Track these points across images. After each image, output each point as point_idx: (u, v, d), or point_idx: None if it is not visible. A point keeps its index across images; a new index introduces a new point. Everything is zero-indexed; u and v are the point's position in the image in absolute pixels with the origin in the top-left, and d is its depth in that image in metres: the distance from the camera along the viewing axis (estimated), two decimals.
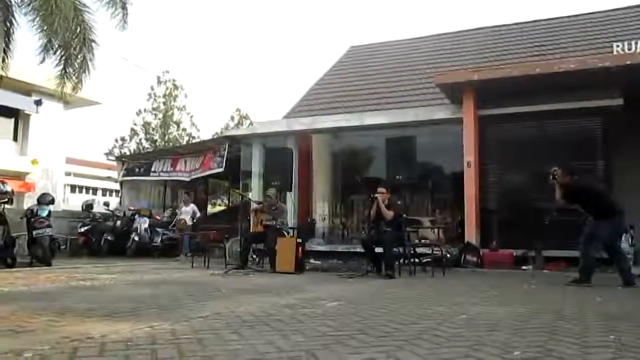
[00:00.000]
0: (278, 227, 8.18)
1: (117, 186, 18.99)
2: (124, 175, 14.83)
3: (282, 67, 76.76)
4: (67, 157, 19.73)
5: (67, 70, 11.38)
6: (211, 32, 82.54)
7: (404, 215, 8.03)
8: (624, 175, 9.05)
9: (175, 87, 27.31)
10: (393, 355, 2.50)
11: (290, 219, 10.03)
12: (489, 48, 14.59)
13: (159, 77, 27.10)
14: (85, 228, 12.06)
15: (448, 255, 8.66)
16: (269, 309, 3.94)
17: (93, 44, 11.42)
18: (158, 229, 12.33)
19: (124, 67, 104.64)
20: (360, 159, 13.05)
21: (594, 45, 12.75)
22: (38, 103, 15.13)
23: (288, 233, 8.51)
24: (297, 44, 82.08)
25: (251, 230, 9.26)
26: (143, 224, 12.06)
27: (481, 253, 9.05)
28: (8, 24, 11.03)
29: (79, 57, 11.36)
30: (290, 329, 3.14)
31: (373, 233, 7.84)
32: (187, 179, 13.46)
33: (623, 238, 7.30)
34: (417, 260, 7.79)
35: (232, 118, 28.69)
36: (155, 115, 26.96)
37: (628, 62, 8.74)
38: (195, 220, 12.26)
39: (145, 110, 27.02)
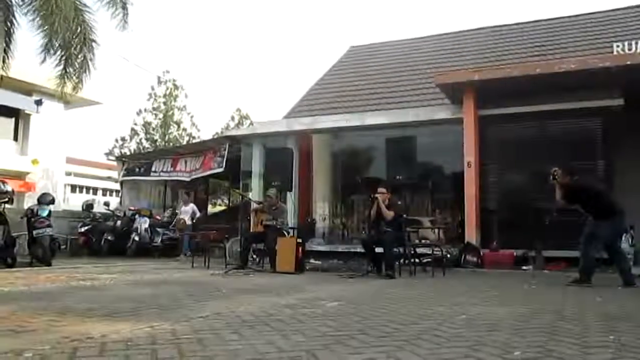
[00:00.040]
0: (278, 227, 8.18)
1: (117, 186, 19.00)
2: (124, 175, 14.84)
3: (282, 67, 76.81)
4: (68, 157, 19.74)
5: (68, 70, 11.40)
6: (211, 32, 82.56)
7: (404, 216, 8.03)
8: (624, 175, 9.04)
9: (176, 87, 27.32)
10: (393, 355, 2.50)
11: (291, 219, 10.03)
12: (490, 48, 14.59)
13: (159, 77, 27.14)
14: (86, 228, 12.06)
15: (448, 256, 8.66)
16: (269, 309, 3.94)
17: (93, 44, 11.44)
18: (158, 229, 12.33)
19: (125, 67, 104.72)
20: (361, 159, 13.05)
21: (594, 46, 12.75)
22: (38, 103, 15.14)
23: (288, 233, 8.51)
24: (297, 44, 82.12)
25: (251, 230, 9.27)
26: (143, 224, 12.07)
27: (481, 253, 9.05)
28: (9, 24, 11.05)
29: (80, 57, 11.37)
30: (291, 329, 3.14)
31: (373, 233, 7.84)
32: (188, 179, 13.46)
33: (623, 238, 7.30)
34: (417, 260, 7.79)
35: (233, 118, 28.71)
36: (156, 115, 26.96)
37: (628, 62, 8.74)
38: (195, 220, 12.26)
39: (145, 110, 27.04)
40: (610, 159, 9.45)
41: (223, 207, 20.43)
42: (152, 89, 27.10)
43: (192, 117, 27.73)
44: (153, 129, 26.87)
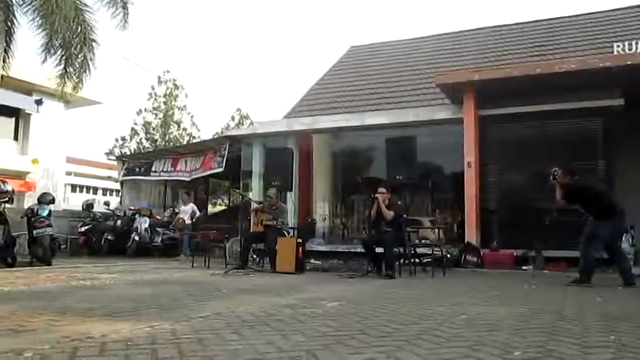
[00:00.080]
0: (278, 227, 8.18)
1: (117, 186, 19.01)
2: (124, 175, 14.84)
3: (282, 67, 76.81)
4: (68, 156, 19.76)
5: (68, 70, 11.40)
6: (212, 32, 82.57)
7: (405, 216, 8.03)
8: (624, 175, 9.05)
9: (176, 86, 27.31)
10: (393, 355, 2.50)
11: (291, 219, 10.03)
12: (490, 48, 14.59)
13: (159, 77, 27.12)
14: (86, 227, 12.07)
15: (448, 256, 8.66)
16: (270, 309, 3.94)
17: (94, 44, 11.44)
18: (158, 229, 12.33)
19: (125, 66, 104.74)
20: (361, 159, 13.05)
21: (594, 46, 12.75)
22: (39, 102, 15.16)
23: (288, 233, 8.51)
24: (297, 44, 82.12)
25: (251, 230, 9.26)
26: (143, 223, 12.07)
27: (481, 253, 9.05)
28: (9, 24, 11.05)
29: (80, 56, 11.37)
30: (291, 329, 3.14)
31: (373, 233, 7.84)
32: (188, 179, 13.46)
33: (623, 238, 7.30)
34: (417, 260, 7.79)
35: (233, 118, 28.70)
36: (156, 115, 26.96)
37: (628, 62, 8.74)
38: (195, 220, 12.26)
39: (145, 109, 27.04)
40: (610, 159, 9.45)
41: (223, 207, 20.44)
42: (153, 88, 27.13)
43: (192, 116, 27.75)
44: (153, 129, 26.87)
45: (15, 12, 11.12)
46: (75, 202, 22.89)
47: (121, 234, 11.97)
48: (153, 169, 14.08)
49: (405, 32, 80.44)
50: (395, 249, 7.16)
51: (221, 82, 62.36)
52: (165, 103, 27.01)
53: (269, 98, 71.75)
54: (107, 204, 14.42)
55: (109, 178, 36.27)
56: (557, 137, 9.78)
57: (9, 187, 8.54)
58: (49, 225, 8.59)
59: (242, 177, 12.60)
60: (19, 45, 11.57)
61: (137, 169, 14.49)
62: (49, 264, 8.37)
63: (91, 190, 44.70)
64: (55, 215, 9.54)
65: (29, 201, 12.62)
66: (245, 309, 3.96)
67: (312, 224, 11.99)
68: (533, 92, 9.24)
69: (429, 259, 7.96)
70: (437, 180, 11.93)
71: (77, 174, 40.01)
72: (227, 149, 12.18)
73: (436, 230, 9.95)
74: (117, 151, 25.69)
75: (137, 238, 11.79)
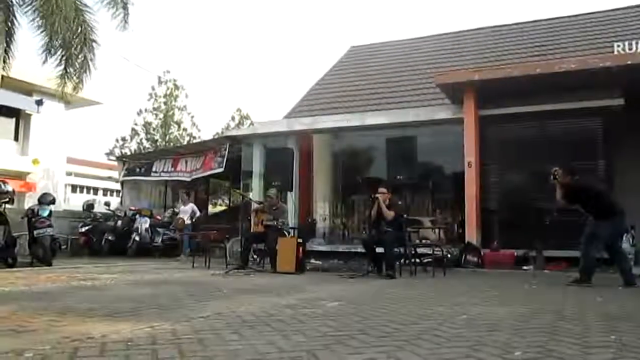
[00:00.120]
0: (279, 227, 8.18)
1: (118, 186, 19.02)
2: (124, 175, 14.84)
3: (282, 68, 76.82)
4: (68, 157, 19.78)
5: (68, 70, 11.40)
6: (212, 32, 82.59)
7: (405, 216, 8.03)
8: (624, 175, 9.04)
9: (176, 87, 27.32)
10: (394, 355, 2.50)
11: (291, 219, 10.03)
12: (490, 48, 14.59)
13: (159, 77, 27.14)
14: (86, 228, 12.07)
15: (449, 256, 8.66)
16: (270, 309, 3.94)
17: (94, 44, 11.44)
18: (159, 229, 12.33)
19: (125, 67, 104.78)
20: (361, 159, 13.05)
21: (594, 45, 12.75)
22: (39, 103, 15.17)
23: (289, 233, 8.51)
24: (297, 44, 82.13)
25: (252, 230, 9.26)
26: (144, 224, 12.07)
27: (482, 253, 9.04)
28: (9, 24, 11.05)
29: (80, 57, 11.37)
30: (291, 329, 3.14)
31: (374, 233, 7.84)
32: (188, 179, 13.46)
33: (624, 238, 7.29)
34: (417, 260, 7.79)
35: (233, 118, 28.70)
36: (156, 115, 26.97)
37: (629, 62, 8.74)
38: (195, 220, 12.25)
39: (146, 110, 27.05)
40: (610, 159, 9.45)
41: (224, 207, 20.45)
42: (153, 89, 27.14)
43: (192, 117, 27.77)
44: (153, 129, 26.88)
45: (16, 13, 11.13)
46: (76, 202, 22.91)
47: (122, 235, 11.97)
48: (153, 169, 14.09)
49: (405, 32, 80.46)
50: (395, 249, 7.15)
51: (221, 82, 62.41)
52: (165, 103, 27.02)
53: (269, 98, 71.79)
54: (107, 204, 14.42)
55: (109, 178, 36.32)
56: (557, 137, 9.77)
57: (9, 188, 8.55)
58: (50, 226, 8.59)
59: (242, 177, 12.60)
60: (19, 46, 11.60)
61: (138, 170, 14.50)
62: (50, 264, 8.37)
63: (92, 191, 44.73)
64: (55, 215, 9.54)
65: (30, 202, 12.63)
66: (246, 309, 3.96)
67: (313, 224, 11.99)
68: (533, 92, 9.24)
69: (430, 259, 7.96)
70: (437, 180, 11.92)
71: (77, 175, 40.05)
72: (227, 149, 12.18)
73: (436, 230, 9.95)
74: (117, 151, 25.70)
75: (137, 238, 11.80)
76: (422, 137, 9.97)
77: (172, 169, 13.76)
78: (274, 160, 10.75)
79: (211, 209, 18.89)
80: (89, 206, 12.72)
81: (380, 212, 7.33)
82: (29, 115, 15.55)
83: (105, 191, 43.25)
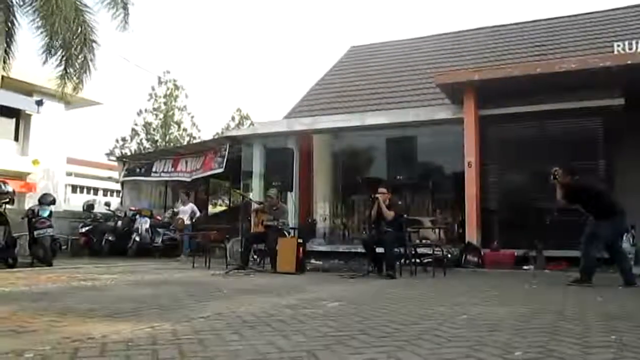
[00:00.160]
0: (279, 227, 8.18)
1: (118, 186, 19.02)
2: (125, 176, 14.84)
3: (283, 68, 76.83)
4: (68, 157, 19.80)
5: (68, 71, 11.41)
6: (212, 32, 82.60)
7: (405, 216, 8.02)
8: (625, 175, 9.04)
9: (176, 87, 27.31)
10: (394, 355, 2.50)
11: (291, 219, 10.03)
12: (490, 48, 14.59)
13: (159, 78, 27.12)
14: (87, 228, 12.06)
15: (449, 256, 8.66)
16: (270, 310, 3.94)
17: (94, 45, 11.45)
18: (159, 230, 12.33)
19: (125, 67, 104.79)
20: (361, 159, 13.05)
21: (594, 45, 12.75)
22: (39, 103, 15.19)
23: (289, 233, 8.51)
24: (298, 45, 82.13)
25: (252, 231, 9.26)
26: (144, 224, 12.06)
27: (482, 253, 9.04)
28: (9, 25, 11.06)
29: (80, 57, 11.38)
30: (291, 329, 3.14)
31: (374, 233, 7.84)
32: (188, 179, 13.46)
33: (624, 238, 7.29)
34: (418, 260, 7.79)
35: (233, 118, 28.69)
36: (156, 115, 26.96)
37: (629, 62, 8.73)
38: (195, 220, 12.24)
39: (146, 110, 27.03)
40: (610, 159, 9.44)
41: (224, 208, 20.44)
42: (153, 89, 27.13)
43: (192, 117, 27.75)
44: (154, 130, 26.87)
45: (16, 13, 11.14)
46: (76, 202, 22.94)
47: (122, 235, 11.96)
48: (153, 169, 14.09)
49: (405, 32, 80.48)
50: (395, 249, 7.15)
51: (221, 82, 62.42)
52: (165, 104, 27.01)
53: (269, 98, 71.81)
54: (107, 204, 14.42)
55: (109, 179, 36.34)
56: (558, 137, 9.77)
57: (9, 188, 8.54)
58: (50, 226, 8.59)
59: (242, 178, 12.60)
60: (19, 46, 11.61)
61: (138, 170, 14.50)
62: (50, 264, 8.37)
63: (92, 191, 44.76)
64: (56, 216, 9.55)
65: (30, 202, 12.64)
66: (246, 309, 3.96)
67: (313, 224, 11.99)
68: (533, 92, 9.24)
69: (430, 259, 7.95)
70: (437, 180, 11.92)
71: (77, 175, 40.07)
72: (227, 150, 12.18)
73: (437, 230, 9.94)
74: (117, 152, 25.68)
75: (137, 239, 11.79)
76: (422, 137, 9.97)
77: (172, 169, 13.76)
78: (274, 161, 10.75)
79: (211, 209, 18.89)
80: (89, 206, 12.72)
81: (380, 212, 7.33)
82: (29, 115, 15.57)
83: (106, 191, 43.28)
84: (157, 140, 26.48)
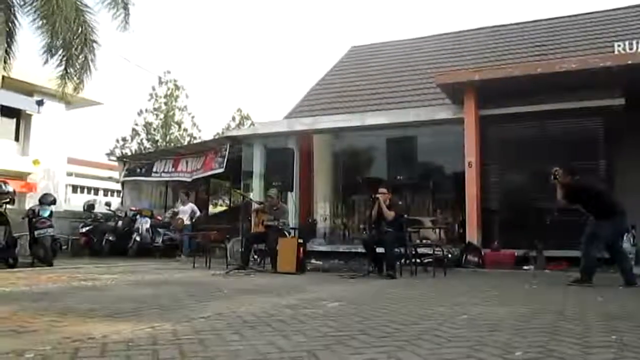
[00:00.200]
0: (279, 227, 8.18)
1: (118, 186, 19.02)
2: (125, 176, 14.84)
3: (283, 68, 76.86)
4: (69, 157, 19.81)
5: (69, 71, 11.41)
6: (213, 32, 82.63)
7: (405, 216, 8.02)
8: (625, 175, 9.03)
9: (177, 87, 27.30)
10: (394, 355, 2.50)
11: (292, 219, 10.03)
12: (490, 48, 14.59)
13: (160, 78, 27.10)
14: (87, 228, 12.07)
15: (449, 256, 8.65)
16: (270, 310, 3.94)
17: (94, 45, 11.45)
18: (159, 230, 12.32)
19: (126, 67, 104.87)
20: (362, 159, 13.05)
21: (595, 45, 12.74)
22: (40, 103, 15.20)
23: (289, 233, 8.51)
24: (298, 45, 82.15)
25: (252, 231, 9.26)
26: (144, 224, 12.07)
27: (482, 253, 9.04)
28: (10, 25, 11.06)
29: (81, 57, 11.38)
30: (292, 329, 3.14)
31: (374, 233, 7.83)
32: (189, 180, 13.46)
33: (625, 238, 7.27)
34: (418, 260, 7.79)
35: (234, 118, 28.66)
36: (157, 115, 26.95)
37: (629, 62, 8.73)
38: (194, 220, 12.24)
39: (146, 110, 27.02)
40: (611, 159, 9.43)
41: (224, 208, 20.45)
42: (153, 89, 27.10)
43: (193, 117, 27.74)
44: (154, 130, 26.86)
45: (17, 13, 11.14)
46: (77, 202, 22.96)
47: (122, 235, 11.96)
48: (154, 169, 14.09)
49: (406, 32, 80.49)
50: (396, 249, 7.15)
51: (222, 82, 62.44)
52: (166, 104, 27.00)
53: (269, 98, 71.83)
54: (108, 204, 14.42)
55: (110, 179, 36.34)
56: (558, 137, 9.77)
57: (10, 188, 8.55)
58: (50, 226, 8.59)
59: (242, 178, 12.61)
60: (20, 47, 11.61)
61: (138, 170, 14.50)
62: (50, 264, 8.37)
63: (92, 191, 44.78)
64: (56, 216, 9.55)
65: (30, 202, 12.65)
66: (247, 309, 3.96)
67: (313, 224, 11.99)
68: (534, 92, 9.23)
69: (430, 259, 7.95)
70: (438, 180, 11.92)
71: (78, 175, 40.09)
72: (227, 150, 12.18)
73: (437, 230, 9.93)
74: (118, 152, 25.67)
75: (138, 239, 11.79)
76: (422, 137, 9.96)
77: (173, 170, 13.76)
78: (275, 161, 10.75)
79: (212, 209, 18.89)
80: (90, 206, 12.73)
81: (380, 212, 7.33)
82: (30, 115, 15.58)
83: (106, 191, 43.29)
84: (157, 141, 26.48)
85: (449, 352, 2.57)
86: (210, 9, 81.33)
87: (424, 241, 9.05)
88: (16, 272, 7.44)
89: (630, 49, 11.67)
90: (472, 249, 9.08)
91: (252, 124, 21.97)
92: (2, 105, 14.37)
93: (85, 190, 44.27)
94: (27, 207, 10.27)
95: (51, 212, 8.93)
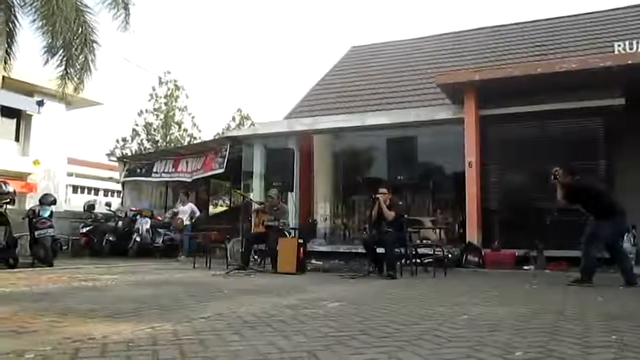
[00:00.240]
0: (280, 227, 8.18)
1: (118, 187, 19.02)
2: (125, 176, 14.84)
3: (283, 68, 76.86)
4: (69, 157, 19.82)
5: (69, 71, 11.42)
6: (213, 33, 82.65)
7: (406, 216, 8.02)
8: (625, 175, 9.04)
9: (177, 87, 27.30)
10: (394, 355, 2.50)
11: (292, 220, 10.03)
12: (490, 48, 14.59)
13: (160, 78, 27.11)
14: (87, 228, 12.07)
15: (450, 256, 8.65)
16: (271, 310, 3.94)
17: (95, 45, 11.46)
18: (159, 230, 12.32)
19: (126, 67, 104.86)
20: (362, 160, 13.05)
21: (595, 45, 12.74)
22: (40, 104, 15.21)
23: (289, 233, 8.51)
24: (298, 45, 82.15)
25: (253, 231, 9.26)
26: (145, 224, 12.06)
27: (483, 253, 9.04)
28: (10, 25, 11.07)
29: (81, 57, 11.39)
30: (292, 329, 3.14)
31: (374, 233, 7.83)
32: (189, 180, 13.46)
33: (625, 238, 7.27)
34: (418, 260, 7.79)
35: (234, 119, 28.66)
36: (157, 115, 26.96)
37: (629, 62, 8.73)
38: (195, 220, 12.24)
39: (146, 110, 27.02)
40: (611, 159, 9.43)
41: (224, 208, 20.44)
42: (153, 89, 27.11)
43: (193, 117, 27.74)
44: (154, 130, 26.86)
45: (17, 14, 11.15)
46: (77, 203, 22.97)
47: (122, 235, 11.96)
48: (154, 170, 14.09)
49: (406, 32, 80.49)
50: (396, 249, 7.15)
51: (222, 82, 62.45)
52: (166, 104, 27.00)
53: (269, 99, 71.83)
54: (108, 205, 14.41)
55: (110, 179, 36.36)
56: (558, 137, 9.76)
57: (10, 188, 8.55)
58: (51, 227, 8.59)
59: (243, 178, 12.61)
60: (20, 47, 11.62)
61: (139, 170, 14.50)
62: (51, 265, 8.38)
63: (92, 191, 44.78)
64: (56, 216, 9.56)
65: (31, 202, 12.66)
66: (247, 309, 3.96)
67: (313, 225, 11.99)
68: (534, 92, 9.23)
69: (430, 259, 7.95)
70: (438, 180, 11.92)
71: (78, 175, 40.10)
72: (228, 150, 12.18)
73: (437, 231, 9.93)
74: (118, 152, 25.68)
75: (138, 239, 11.79)
76: (422, 137, 9.96)
77: (173, 170, 13.77)
78: (275, 161, 10.75)
79: (212, 210, 18.89)
80: (90, 207, 12.73)
81: (380, 212, 7.33)
82: (30, 115, 15.59)
83: (106, 192, 43.29)
84: (157, 141, 26.48)
85: (449, 352, 2.57)
86: (210, 10, 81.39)
87: (424, 241, 9.05)
88: (16, 272, 7.44)
89: (630, 49, 11.67)
90: (473, 249, 9.08)
91: (252, 124, 21.98)
92: (3, 106, 14.38)
93: (86, 190, 44.27)
94: (27, 208, 10.27)
95: (51, 212, 8.93)
